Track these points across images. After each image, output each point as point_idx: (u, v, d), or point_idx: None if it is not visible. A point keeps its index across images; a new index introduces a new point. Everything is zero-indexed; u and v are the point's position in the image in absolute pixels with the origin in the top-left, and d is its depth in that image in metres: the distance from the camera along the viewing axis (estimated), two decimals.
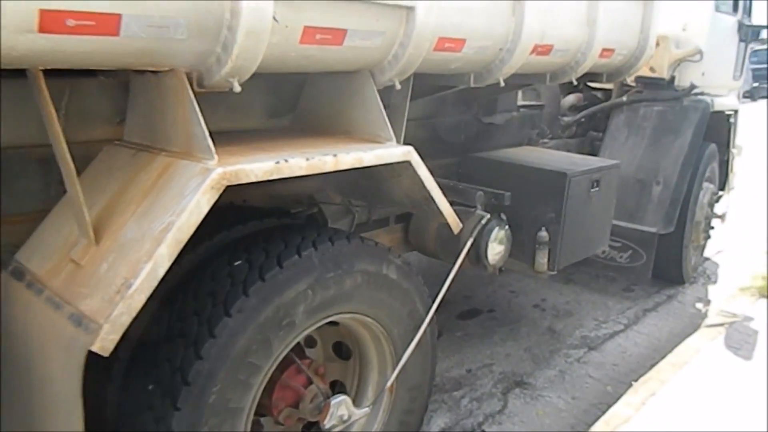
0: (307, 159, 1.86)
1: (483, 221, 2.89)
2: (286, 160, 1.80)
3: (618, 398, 3.38)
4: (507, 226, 3.45)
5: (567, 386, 3.62)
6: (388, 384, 2.36)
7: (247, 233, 2.20)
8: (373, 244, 2.21)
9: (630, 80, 5.07)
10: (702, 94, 4.87)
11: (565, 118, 5.14)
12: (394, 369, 2.40)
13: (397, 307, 2.32)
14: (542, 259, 3.60)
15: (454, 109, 3.81)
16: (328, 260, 2.02)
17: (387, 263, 2.24)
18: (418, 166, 2.19)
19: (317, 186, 2.93)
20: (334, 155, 1.93)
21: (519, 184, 3.66)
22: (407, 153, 2.14)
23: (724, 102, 5.14)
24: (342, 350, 2.57)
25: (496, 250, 3.40)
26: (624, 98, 5.00)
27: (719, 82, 5.31)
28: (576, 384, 3.65)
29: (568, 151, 4.90)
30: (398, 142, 2.55)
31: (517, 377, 3.68)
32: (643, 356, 4.02)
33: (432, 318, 2.49)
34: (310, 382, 2.24)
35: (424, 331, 2.46)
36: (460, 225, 2.50)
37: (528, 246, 3.66)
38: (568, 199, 3.53)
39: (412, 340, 2.40)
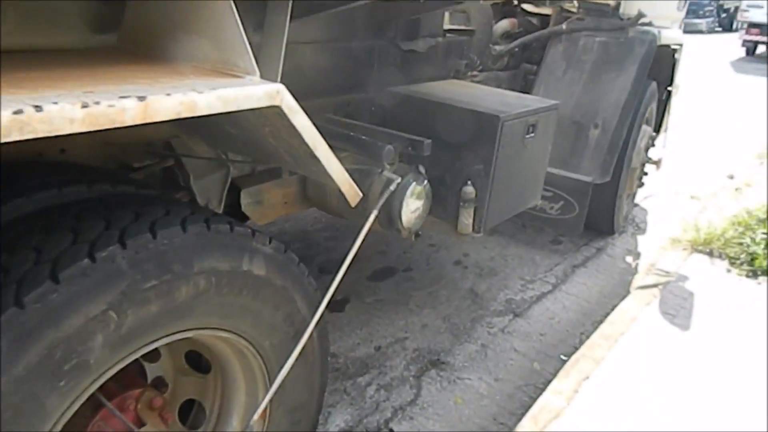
0: (85, 106, 1.10)
1: (392, 186, 2.22)
2: (38, 108, 1.03)
3: (547, 380, 2.93)
4: (426, 182, 2.82)
5: (489, 365, 3.13)
6: (257, 414, 1.73)
7: (33, 211, 1.43)
8: (227, 228, 1.50)
9: (571, 5, 4.44)
10: (648, 24, 4.31)
11: (497, 47, 4.46)
12: (267, 389, 1.76)
13: (266, 313, 1.66)
14: (467, 219, 3.01)
15: (364, 32, 3.05)
16: (147, 262, 1.31)
17: (249, 255, 1.55)
18: (292, 112, 1.47)
19: (171, 132, 2.16)
20: (141, 98, 1.18)
21: (442, 127, 3.01)
22: (273, 94, 1.41)
23: (670, 35, 4.62)
24: (201, 361, 1.91)
25: (411, 211, 2.77)
26: (563, 26, 4.37)
27: (663, 12, 4.77)
28: (499, 361, 3.17)
29: (499, 86, 4.27)
30: (276, 75, 1.81)
31: (433, 355, 3.15)
32: (573, 322, 3.60)
33: (321, 318, 1.84)
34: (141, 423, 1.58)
35: (310, 338, 1.82)
36: (359, 194, 1.82)
37: (451, 204, 3.05)
38: (500, 148, 2.92)
39: (291, 351, 1.76)
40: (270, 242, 1.63)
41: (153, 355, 1.81)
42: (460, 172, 3.00)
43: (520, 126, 3.04)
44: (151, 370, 1.83)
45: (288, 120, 1.48)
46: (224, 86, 1.36)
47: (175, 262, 1.36)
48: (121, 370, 1.38)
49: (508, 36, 4.62)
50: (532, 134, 3.15)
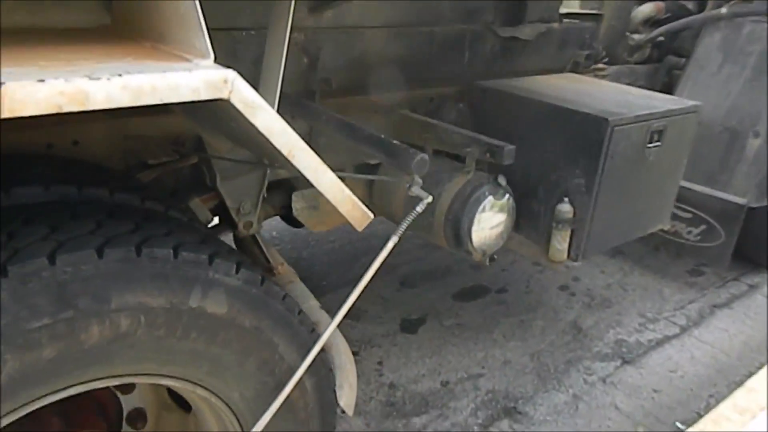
0: None
1: (419, 207, 1.73)
2: None
3: None
4: (507, 196, 2.33)
5: (579, 422, 2.56)
6: None
7: None
8: (167, 254, 1.18)
9: None
10: None
11: (636, 36, 3.75)
12: None
13: (230, 360, 1.32)
14: (560, 243, 2.46)
15: (452, 15, 2.60)
16: (38, 294, 1.03)
17: (202, 289, 1.22)
18: (249, 108, 1.10)
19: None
20: (40, 80, 0.89)
21: (537, 131, 2.49)
22: (218, 84, 1.05)
23: None
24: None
25: (484, 230, 2.30)
26: (723, 10, 3.55)
27: None
28: (593, 419, 2.58)
29: (634, 83, 3.57)
30: (277, 77, 1.47)
31: (509, 401, 2.65)
32: (701, 380, 2.87)
33: (315, 363, 1.47)
34: None
35: (301, 389, 1.46)
36: (369, 217, 1.41)
37: (543, 223, 2.53)
38: (608, 158, 2.33)
39: (270, 404, 1.41)
40: (237, 271, 1.28)
41: (128, 386, 1.57)
42: (556, 186, 2.46)
43: (639, 132, 2.42)
44: (127, 402, 1.59)
45: (245, 118, 1.12)
46: (158, 70, 1.03)
47: (82, 296, 1.07)
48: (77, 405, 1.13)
49: (651, 22, 3.88)
50: (658, 143, 2.51)
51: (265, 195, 2.20)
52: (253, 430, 1.39)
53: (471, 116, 2.74)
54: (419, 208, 1.46)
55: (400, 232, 1.48)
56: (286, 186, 2.42)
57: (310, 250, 3.78)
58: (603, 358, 2.97)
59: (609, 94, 2.73)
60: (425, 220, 2.41)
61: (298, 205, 2.45)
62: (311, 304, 2.09)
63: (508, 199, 2.34)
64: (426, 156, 1.55)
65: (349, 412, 1.78)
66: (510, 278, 3.62)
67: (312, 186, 1.30)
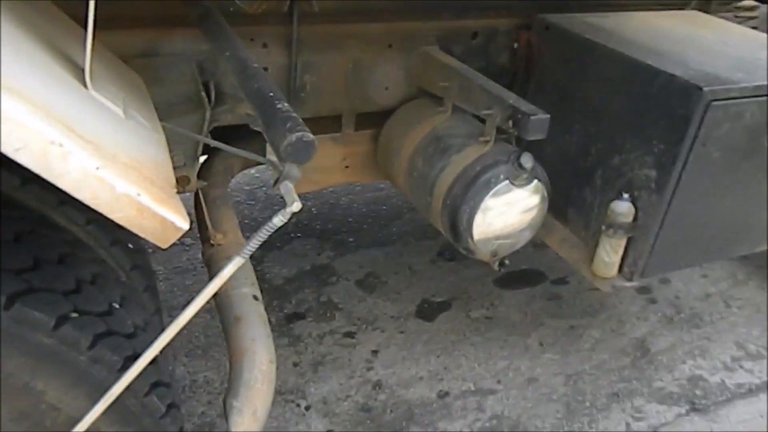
0: None
1: (278, 219, 1.12)
2: None
3: None
4: (537, 182, 1.69)
5: None
6: None
7: None
8: None
9: None
10: None
11: None
12: None
13: None
14: (610, 254, 1.79)
15: None
16: None
17: None
18: None
19: None
20: None
21: (606, 91, 1.78)
22: None
23: None
24: None
25: (494, 225, 1.70)
26: None
27: None
28: None
29: None
30: None
31: None
32: None
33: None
34: None
35: None
36: (180, 228, 0.89)
37: (594, 220, 1.85)
38: (697, 144, 1.59)
39: None
40: None
41: None
42: (618, 175, 1.77)
43: (758, 111, 1.62)
44: None
45: None
46: None
47: None
48: None
49: None
50: None
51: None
52: None
53: (526, 62, 2.05)
54: (277, 220, 0.92)
55: (248, 252, 0.96)
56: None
57: (348, 200, 3.31)
58: (664, 399, 2.27)
59: (733, 49, 1.89)
60: (423, 199, 1.84)
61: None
62: (243, 292, 1.64)
63: (536, 186, 1.69)
64: (312, 140, 0.98)
65: None
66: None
67: None
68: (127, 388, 0.99)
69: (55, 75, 0.93)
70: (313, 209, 3.17)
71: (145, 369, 0.98)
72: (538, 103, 1.59)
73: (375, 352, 2.36)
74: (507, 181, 1.63)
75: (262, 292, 1.58)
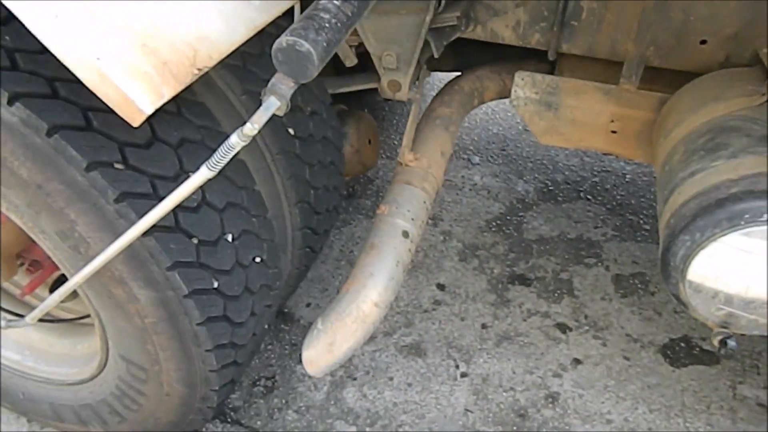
0: None
1: None
2: None
3: None
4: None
5: None
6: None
7: None
8: None
9: None
10: None
11: None
12: None
13: None
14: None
15: None
16: None
17: None
18: None
19: None
20: None
21: None
22: None
23: None
24: None
25: (725, 275, 1.12)
26: None
27: None
28: None
29: None
30: None
31: None
32: None
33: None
34: None
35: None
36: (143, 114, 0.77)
37: None
38: None
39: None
40: None
41: None
42: None
43: None
44: None
45: None
46: None
47: None
48: None
49: None
50: None
51: (436, 51, 1.51)
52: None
53: None
54: (234, 140, 0.73)
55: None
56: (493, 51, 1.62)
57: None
58: None
59: None
60: (660, 204, 1.31)
61: (521, 92, 1.64)
62: (396, 222, 1.47)
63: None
64: (307, 51, 0.71)
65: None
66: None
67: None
68: None
69: None
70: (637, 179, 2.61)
71: None
72: None
73: (577, 362, 1.92)
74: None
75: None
